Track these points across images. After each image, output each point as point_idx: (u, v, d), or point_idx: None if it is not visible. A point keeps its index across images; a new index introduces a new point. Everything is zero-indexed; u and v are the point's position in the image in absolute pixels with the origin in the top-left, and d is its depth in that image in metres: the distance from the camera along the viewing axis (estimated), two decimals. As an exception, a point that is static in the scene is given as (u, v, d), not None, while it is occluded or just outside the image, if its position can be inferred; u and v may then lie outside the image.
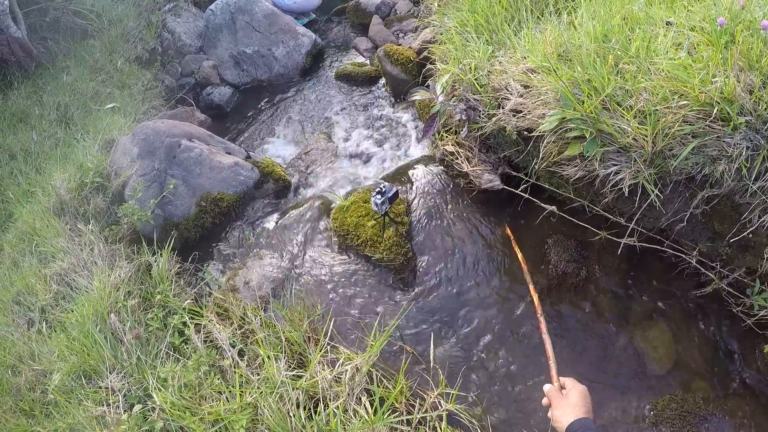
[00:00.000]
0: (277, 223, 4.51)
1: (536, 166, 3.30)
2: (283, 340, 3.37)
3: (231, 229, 4.65)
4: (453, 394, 3.14)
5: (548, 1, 3.80)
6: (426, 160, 4.57)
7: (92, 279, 3.86)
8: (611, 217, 3.16)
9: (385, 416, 2.89)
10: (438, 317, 3.64)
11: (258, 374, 3.18)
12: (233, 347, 3.39)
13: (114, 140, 5.20)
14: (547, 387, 2.29)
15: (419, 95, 4.50)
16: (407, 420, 3.02)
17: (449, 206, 4.08)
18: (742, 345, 3.21)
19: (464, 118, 3.79)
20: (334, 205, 4.36)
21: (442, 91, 3.89)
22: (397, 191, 3.82)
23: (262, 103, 6.58)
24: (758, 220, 2.56)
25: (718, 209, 2.76)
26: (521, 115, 3.21)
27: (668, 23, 2.89)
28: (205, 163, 4.70)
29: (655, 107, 2.55)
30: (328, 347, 3.35)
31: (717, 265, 3.03)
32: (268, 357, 3.18)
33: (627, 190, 2.74)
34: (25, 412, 3.41)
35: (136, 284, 3.89)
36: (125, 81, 6.73)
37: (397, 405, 3.07)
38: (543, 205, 3.39)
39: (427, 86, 5.02)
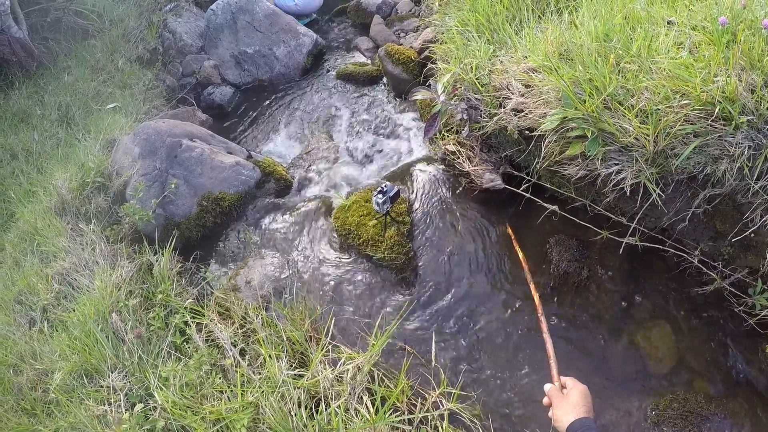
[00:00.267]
0: (278, 222, 4.51)
1: (538, 166, 3.30)
2: (285, 339, 3.37)
3: (232, 229, 4.66)
4: (454, 393, 3.14)
5: (549, 0, 3.80)
6: (427, 159, 4.57)
7: (94, 278, 3.87)
8: (613, 216, 3.16)
9: (387, 415, 2.88)
10: (439, 316, 3.64)
11: (259, 373, 3.18)
12: (235, 346, 3.39)
13: (115, 140, 5.21)
14: (547, 386, 2.29)
15: (420, 95, 4.50)
16: (409, 419, 3.02)
17: (451, 206, 4.08)
18: (743, 345, 3.21)
19: (465, 117, 3.79)
20: (335, 204, 4.36)
21: (444, 91, 3.89)
22: (398, 191, 3.81)
23: (264, 103, 6.58)
24: (760, 220, 2.56)
25: (719, 209, 2.76)
26: (522, 114, 3.21)
27: (669, 22, 2.89)
28: (206, 162, 4.70)
29: (656, 106, 2.55)
30: (330, 346, 3.34)
31: (719, 264, 3.02)
32: (270, 356, 3.18)
33: (629, 189, 2.74)
34: (26, 411, 3.42)
35: (138, 284, 3.89)
36: (126, 81, 6.73)
37: (398, 404, 3.07)
38: (544, 204, 3.39)
39: (429, 86, 5.03)
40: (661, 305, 3.42)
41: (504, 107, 3.36)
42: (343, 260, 4.04)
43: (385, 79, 6.07)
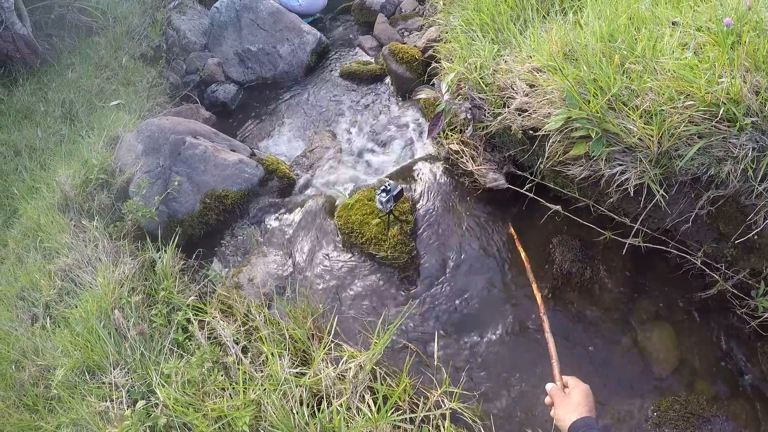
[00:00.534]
0: (281, 220, 4.52)
1: (541, 166, 3.29)
2: (287, 337, 3.37)
3: (235, 227, 4.66)
4: (456, 392, 3.14)
5: (554, 0, 3.79)
6: (431, 158, 4.57)
7: (96, 275, 3.87)
8: (616, 217, 3.16)
9: (389, 414, 2.88)
10: (442, 315, 3.64)
11: (261, 371, 3.18)
12: (237, 344, 3.39)
13: (119, 137, 5.21)
14: (549, 386, 2.29)
15: (424, 94, 4.50)
16: (410, 418, 3.02)
17: (454, 205, 4.08)
18: (746, 347, 3.20)
19: (469, 116, 3.79)
20: (338, 203, 4.37)
21: (448, 90, 3.89)
22: (402, 189, 3.81)
23: (267, 101, 6.58)
24: (764, 222, 2.55)
25: (723, 210, 2.75)
26: (526, 114, 3.20)
27: (674, 23, 2.88)
28: (209, 160, 4.71)
29: (661, 107, 2.55)
30: (332, 345, 3.35)
31: (722, 266, 3.02)
32: (272, 354, 3.18)
33: (632, 190, 2.73)
34: (28, 407, 3.42)
35: (140, 280, 3.90)
36: (130, 78, 6.74)
37: (400, 403, 3.07)
38: (548, 204, 3.39)
39: (432, 85, 5.03)
40: (664, 306, 3.42)
41: (508, 107, 3.35)
42: (345, 259, 4.04)
43: (388, 78, 6.06)
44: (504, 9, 3.88)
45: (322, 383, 3.05)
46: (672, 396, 3.11)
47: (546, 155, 3.14)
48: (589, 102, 2.76)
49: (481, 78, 3.61)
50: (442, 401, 3.13)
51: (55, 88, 6.77)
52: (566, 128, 2.92)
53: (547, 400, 2.25)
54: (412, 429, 2.98)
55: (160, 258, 4.02)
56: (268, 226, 4.53)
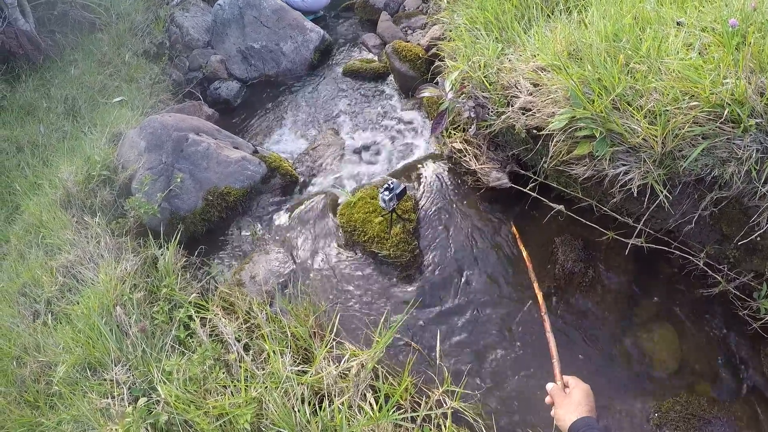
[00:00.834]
0: (283, 218, 4.52)
1: (545, 165, 3.29)
2: (289, 335, 3.37)
3: (237, 224, 4.66)
4: (458, 391, 3.13)
5: (558, -1, 3.80)
6: (434, 157, 4.57)
7: (98, 271, 3.87)
8: (619, 217, 3.15)
9: (390, 413, 2.88)
10: (444, 314, 3.63)
11: (263, 369, 3.18)
12: (238, 341, 3.39)
13: (121, 133, 5.21)
14: (550, 386, 2.28)
15: (428, 92, 4.50)
16: (412, 417, 3.02)
17: (457, 204, 4.08)
18: (747, 348, 3.20)
19: (473, 115, 3.79)
20: (341, 200, 4.37)
21: (451, 88, 3.89)
22: (404, 188, 3.81)
23: (270, 98, 6.58)
24: (766, 224, 2.55)
25: (726, 212, 2.75)
26: (530, 113, 3.20)
27: (679, 23, 2.88)
28: (212, 157, 4.71)
29: (665, 107, 2.54)
30: (334, 343, 3.34)
31: (724, 267, 3.01)
32: (274, 352, 3.18)
33: (636, 190, 2.73)
34: (29, 403, 3.43)
35: (142, 277, 3.90)
36: (133, 75, 6.75)
37: (402, 402, 3.07)
38: (551, 204, 3.38)
39: (436, 83, 5.02)
40: (666, 307, 3.41)
41: (512, 106, 3.35)
42: (348, 257, 4.04)
43: (392, 76, 6.06)
44: (508, 7, 3.88)
45: (323, 381, 3.04)
46: (673, 397, 3.11)
47: (549, 154, 3.14)
48: (594, 102, 2.75)
49: (484, 77, 3.60)
50: (444, 400, 3.13)
51: (57, 85, 6.78)
52: (570, 128, 2.92)
53: (548, 399, 2.25)
54: (413, 428, 2.97)
55: (162, 255, 4.02)
56: (271, 224, 4.53)
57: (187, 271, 4.11)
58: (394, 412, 2.94)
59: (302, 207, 4.50)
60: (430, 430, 2.99)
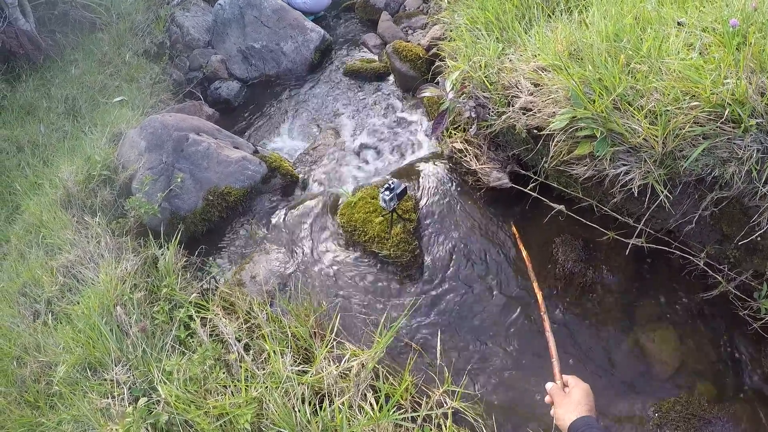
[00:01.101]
0: (284, 218, 4.51)
1: (545, 165, 3.29)
2: (289, 335, 3.37)
3: (238, 224, 4.66)
4: (458, 391, 3.14)
5: (559, -1, 3.80)
6: (434, 157, 4.57)
7: (99, 271, 3.87)
8: (619, 217, 3.15)
9: (391, 413, 2.88)
10: (444, 314, 3.64)
11: (263, 369, 3.18)
12: (239, 341, 3.39)
13: (122, 133, 5.21)
14: (549, 385, 2.28)
15: (428, 92, 4.50)
16: (412, 417, 3.02)
17: (457, 204, 4.08)
18: (748, 348, 3.20)
19: (473, 115, 3.79)
20: (341, 200, 4.36)
21: (452, 88, 3.89)
22: (405, 188, 3.81)
23: (270, 98, 6.58)
24: (767, 224, 2.55)
25: (726, 212, 2.75)
26: (531, 113, 3.20)
27: (680, 24, 2.88)
28: (212, 157, 4.71)
29: (666, 108, 2.54)
30: (334, 343, 3.34)
31: (724, 267, 3.02)
32: (274, 352, 3.18)
33: (636, 190, 2.73)
34: (30, 403, 3.42)
35: (143, 277, 3.90)
36: (133, 74, 6.74)
37: (402, 402, 3.07)
38: (551, 204, 3.38)
39: (437, 83, 5.02)
40: (666, 307, 3.42)
41: (512, 106, 3.35)
42: (348, 257, 4.04)
43: (392, 76, 6.06)
44: (509, 7, 3.88)
45: (324, 381, 3.04)
46: (673, 397, 3.11)
47: (550, 154, 3.15)
48: (594, 102, 2.75)
49: (485, 77, 3.60)
50: (444, 400, 3.13)
51: (58, 84, 6.78)
52: (571, 128, 2.92)
53: (547, 399, 2.25)
54: (414, 428, 2.97)
55: (162, 255, 4.02)
56: (271, 224, 4.53)
57: (187, 270, 4.11)
58: (394, 412, 2.94)
59: (303, 207, 4.50)
60: (431, 430, 2.99)
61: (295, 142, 5.78)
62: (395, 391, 3.04)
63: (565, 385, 2.25)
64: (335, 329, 3.42)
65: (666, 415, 3.05)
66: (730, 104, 2.40)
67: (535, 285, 3.10)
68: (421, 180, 4.30)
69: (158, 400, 3.07)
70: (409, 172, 4.45)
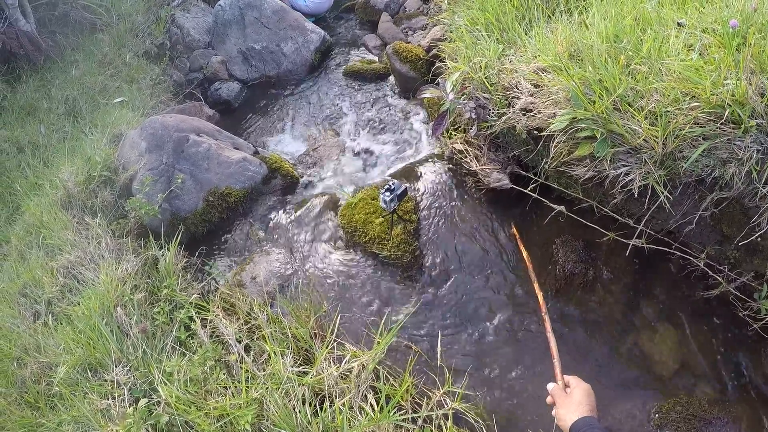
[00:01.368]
0: (284, 219, 4.51)
1: (545, 166, 3.29)
2: (290, 336, 3.37)
3: (238, 225, 4.66)
4: (459, 392, 3.14)
5: (559, 0, 3.79)
6: (435, 158, 4.57)
7: (99, 272, 3.87)
8: (620, 218, 3.15)
9: (391, 414, 2.89)
10: (445, 315, 3.64)
11: (264, 370, 3.18)
12: (239, 342, 3.39)
13: (122, 134, 5.21)
14: (551, 386, 2.29)
15: (429, 93, 4.50)
16: (413, 418, 3.02)
17: (457, 205, 4.08)
18: (748, 349, 3.20)
19: (474, 116, 3.79)
20: (341, 201, 4.37)
21: (452, 89, 3.89)
22: (405, 189, 3.81)
23: (271, 99, 6.58)
24: (767, 224, 2.55)
25: (727, 212, 2.75)
26: (531, 114, 3.20)
27: (680, 24, 2.88)
28: (213, 158, 4.71)
29: (666, 108, 2.54)
30: (335, 344, 3.35)
31: (725, 268, 3.01)
32: (275, 353, 3.18)
33: (636, 191, 2.73)
34: (30, 404, 3.43)
35: (143, 278, 3.90)
36: (134, 75, 6.74)
37: (402, 403, 3.07)
38: (552, 205, 3.39)
39: (437, 84, 5.02)
40: (666, 308, 3.41)
41: (513, 107, 3.35)
42: (349, 258, 4.04)
43: (392, 77, 6.05)
44: (509, 8, 3.88)
45: (324, 382, 3.05)
46: (674, 398, 3.11)
47: (550, 155, 3.14)
48: (595, 102, 2.75)
49: (485, 77, 3.60)
50: (445, 401, 3.13)
51: (58, 85, 6.78)
52: (571, 129, 2.92)
53: (549, 399, 2.26)
54: (414, 429, 2.98)
55: (162, 256, 4.02)
56: (271, 225, 4.53)
57: (187, 271, 4.11)
58: (395, 413, 2.94)
59: (303, 208, 4.50)
60: (431, 431, 2.99)
61: (295, 143, 5.77)
62: (396, 392, 3.04)
63: (566, 385, 2.26)
64: (336, 330, 3.43)
65: (666, 415, 3.05)
66: (730, 105, 2.40)
67: (536, 285, 3.11)
68: (421, 181, 4.30)
69: (159, 401, 3.07)
70: (410, 173, 4.45)
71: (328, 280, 3.94)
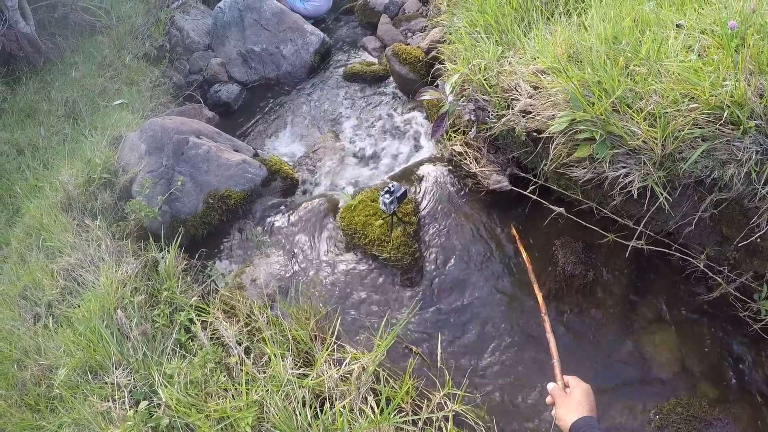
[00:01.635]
0: (284, 221, 4.52)
1: (545, 168, 3.29)
2: (290, 338, 3.37)
3: (238, 227, 4.66)
4: (459, 394, 3.14)
5: (558, 2, 3.79)
6: (434, 160, 4.57)
7: (99, 275, 3.87)
8: (619, 219, 3.15)
9: (391, 416, 2.88)
10: (445, 317, 3.64)
11: (264, 372, 3.18)
12: (239, 345, 3.39)
13: (122, 136, 5.22)
14: (550, 385, 2.29)
15: (428, 95, 4.50)
16: (413, 420, 3.02)
17: (457, 206, 4.08)
18: (748, 350, 3.20)
19: (473, 118, 3.79)
20: (341, 204, 4.37)
21: (452, 91, 3.89)
22: (405, 191, 3.81)
23: (270, 101, 6.59)
24: (766, 225, 2.55)
25: (726, 213, 2.75)
26: (530, 116, 3.20)
27: (678, 26, 2.88)
28: (212, 160, 4.71)
29: (665, 110, 2.54)
30: (335, 346, 3.35)
31: (724, 269, 3.02)
32: (275, 355, 3.18)
33: (636, 192, 2.73)
34: (30, 406, 3.42)
35: (143, 280, 3.90)
36: (133, 78, 6.75)
37: (403, 405, 3.07)
38: (551, 206, 3.39)
39: (436, 86, 5.02)
40: (666, 309, 3.41)
41: (512, 109, 3.35)
42: (348, 260, 4.04)
43: (392, 79, 6.06)
44: (508, 10, 3.88)
45: (324, 384, 3.05)
46: (674, 399, 3.11)
47: (550, 157, 3.14)
48: (594, 104, 2.75)
49: (485, 79, 3.61)
50: (445, 403, 3.13)
51: (58, 87, 6.78)
52: (570, 130, 2.92)
53: (548, 399, 2.26)
54: (414, 431, 2.98)
55: (162, 258, 4.02)
56: (271, 227, 4.53)
57: (187, 274, 4.11)
58: (395, 415, 2.94)
59: (303, 210, 4.50)
60: (431, 432, 2.99)
61: (294, 145, 5.78)
62: (396, 394, 3.04)
63: (566, 385, 2.26)
64: (336, 332, 3.43)
65: (667, 417, 3.05)
66: (729, 106, 2.40)
67: (536, 286, 3.10)
68: (421, 183, 4.30)
69: (159, 404, 3.07)
70: (409, 175, 4.45)
71: (328, 282, 3.94)
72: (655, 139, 2.57)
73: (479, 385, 3.33)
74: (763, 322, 2.92)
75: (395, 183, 3.84)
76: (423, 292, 3.76)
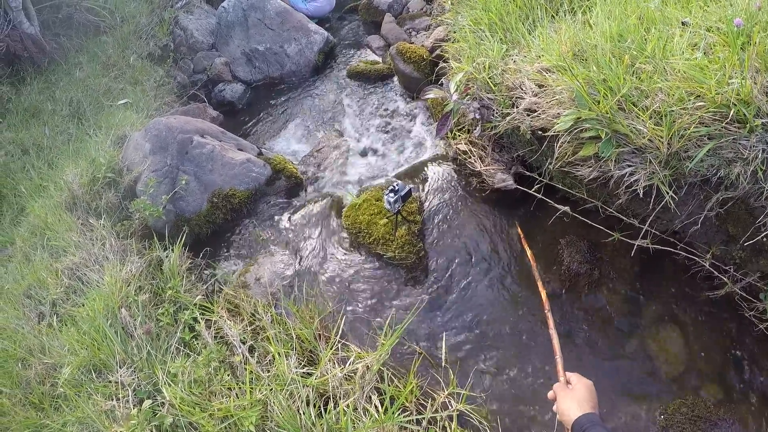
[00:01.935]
0: (288, 220, 4.52)
1: (550, 166, 3.28)
2: (294, 337, 3.37)
3: (242, 226, 4.66)
4: (464, 394, 3.13)
5: (563, 0, 3.78)
6: (439, 158, 4.57)
7: (103, 273, 3.87)
8: (625, 218, 3.15)
9: (396, 415, 2.88)
10: (449, 316, 3.63)
11: (268, 371, 3.18)
12: (243, 344, 3.39)
13: (126, 136, 5.22)
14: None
15: (432, 93, 4.49)
16: (417, 420, 3.01)
17: (462, 205, 4.07)
18: (754, 350, 3.19)
19: (478, 116, 3.78)
20: (346, 202, 4.37)
21: (456, 90, 3.88)
22: (410, 189, 3.81)
23: (274, 101, 6.58)
24: (773, 224, 2.54)
25: (732, 212, 2.74)
26: (535, 114, 3.19)
27: (684, 23, 2.87)
28: (217, 159, 4.71)
29: (671, 108, 2.53)
30: (339, 345, 3.35)
31: (730, 268, 3.00)
32: (279, 354, 3.18)
33: (641, 191, 2.72)
34: (34, 405, 3.43)
35: (147, 279, 3.90)
36: (137, 77, 6.76)
37: (407, 404, 3.07)
38: (556, 205, 3.38)
39: (441, 84, 5.02)
40: (672, 308, 3.40)
41: (517, 107, 3.34)
42: (353, 259, 4.04)
43: (396, 78, 6.05)
44: (512, 9, 3.87)
45: (329, 384, 3.05)
46: (679, 399, 3.10)
47: (555, 156, 3.13)
48: (599, 102, 2.74)
49: (489, 78, 3.60)
50: (449, 402, 3.13)
51: (62, 87, 6.79)
52: (575, 129, 2.91)
53: (550, 395, 2.25)
54: (418, 430, 2.97)
55: (167, 257, 4.02)
56: (276, 226, 4.53)
57: (192, 273, 4.11)
58: (399, 414, 2.93)
59: (307, 209, 4.50)
60: (436, 432, 2.99)
61: (299, 144, 5.78)
62: (400, 394, 3.04)
63: (568, 381, 2.26)
64: (340, 331, 3.43)
65: (672, 417, 3.04)
66: (735, 104, 2.39)
67: (539, 283, 3.09)
68: (425, 182, 4.30)
69: (163, 402, 3.08)
70: (414, 174, 4.45)
71: (333, 281, 3.94)
72: (661, 137, 2.56)
73: (484, 385, 3.33)
74: (769, 322, 2.91)
75: (400, 182, 3.84)
76: (427, 291, 3.75)
